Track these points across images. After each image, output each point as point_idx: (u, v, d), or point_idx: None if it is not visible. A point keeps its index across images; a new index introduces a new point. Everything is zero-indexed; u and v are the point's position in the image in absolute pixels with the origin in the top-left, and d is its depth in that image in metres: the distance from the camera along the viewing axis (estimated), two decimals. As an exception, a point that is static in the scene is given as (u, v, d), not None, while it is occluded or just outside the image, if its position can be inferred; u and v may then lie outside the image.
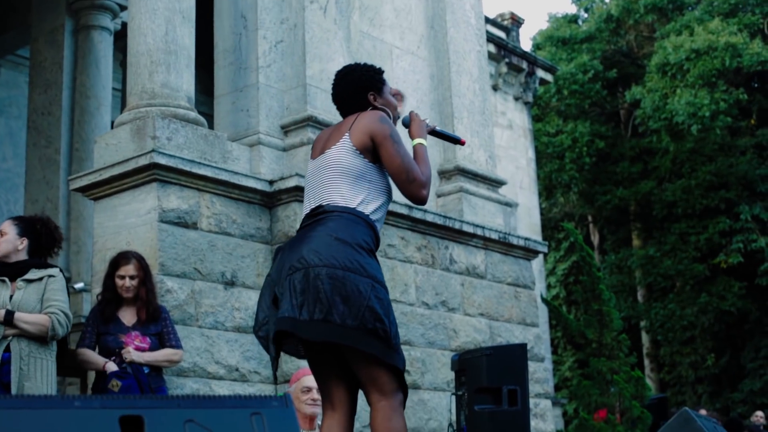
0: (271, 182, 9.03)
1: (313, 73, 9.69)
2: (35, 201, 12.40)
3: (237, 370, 8.43)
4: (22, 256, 6.63)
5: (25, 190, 12.98)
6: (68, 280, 11.47)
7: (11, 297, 6.42)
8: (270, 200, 9.04)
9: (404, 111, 5.10)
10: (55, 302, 6.49)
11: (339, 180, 4.45)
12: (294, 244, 4.38)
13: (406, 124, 4.88)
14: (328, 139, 4.65)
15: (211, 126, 9.40)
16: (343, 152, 4.47)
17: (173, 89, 8.68)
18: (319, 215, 4.40)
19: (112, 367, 6.76)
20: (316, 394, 6.45)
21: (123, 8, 12.89)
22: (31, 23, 13.33)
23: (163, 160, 8.09)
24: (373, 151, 4.48)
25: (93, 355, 6.88)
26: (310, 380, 6.55)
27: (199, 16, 9.31)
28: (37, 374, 6.37)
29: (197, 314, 8.20)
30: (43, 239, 6.75)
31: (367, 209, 4.41)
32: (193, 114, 8.78)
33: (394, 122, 4.76)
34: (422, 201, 4.53)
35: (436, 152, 11.38)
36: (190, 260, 8.25)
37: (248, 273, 8.74)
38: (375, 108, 4.70)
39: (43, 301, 6.47)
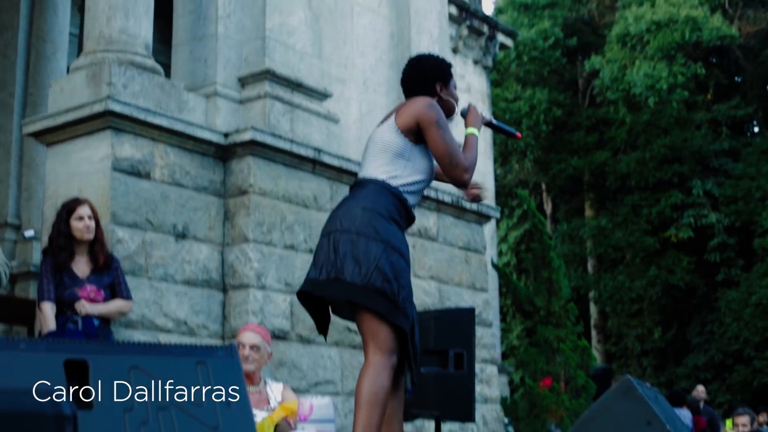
0: (226, 135, 8.94)
1: (272, 26, 9.59)
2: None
3: (185, 323, 8.38)
4: None
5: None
6: (18, 228, 11.43)
7: None
8: (224, 153, 8.96)
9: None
10: None
11: (379, 155, 4.77)
12: (332, 211, 4.82)
13: (464, 114, 5.11)
14: (387, 116, 4.96)
15: (167, 74, 9.29)
16: (387, 130, 4.78)
17: (131, 36, 8.56)
18: (356, 185, 4.81)
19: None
20: (247, 351, 6.40)
21: (83, -48, 12.69)
22: None
23: (117, 108, 7.98)
24: (417, 133, 4.74)
25: (51, 315, 6.76)
26: (243, 336, 6.51)
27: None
28: None
29: (147, 266, 8.13)
30: None
31: (398, 182, 4.71)
32: (150, 62, 8.66)
33: (452, 115, 5.00)
34: (464, 184, 4.83)
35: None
36: (142, 210, 8.17)
37: (200, 226, 8.67)
38: (440, 98, 4.94)
39: None
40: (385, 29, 11.57)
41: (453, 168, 4.71)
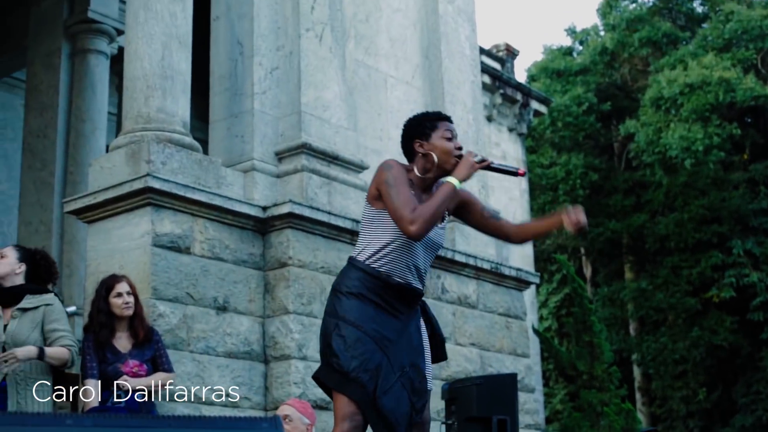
0: (264, 208, 9.04)
1: (308, 101, 9.73)
2: (29, 223, 12.39)
3: (228, 395, 8.42)
4: (19, 280, 6.64)
5: (18, 212, 12.97)
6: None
7: (5, 327, 6.44)
8: (263, 226, 9.06)
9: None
10: (65, 333, 6.57)
11: (360, 231, 4.85)
12: None
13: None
14: None
15: (206, 151, 9.43)
16: (364, 205, 4.82)
17: (169, 114, 8.72)
18: None
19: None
20: (287, 424, 6.53)
21: (120, 32, 12.93)
22: (27, 46, 13.37)
23: (157, 184, 8.11)
24: (380, 198, 4.70)
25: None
26: (283, 409, 6.73)
27: (195, 41, 9.35)
28: (33, 399, 6.37)
29: (189, 339, 8.20)
30: (42, 270, 6.79)
31: (363, 255, 4.72)
32: (188, 139, 8.81)
33: (446, 166, 4.79)
34: (412, 237, 4.60)
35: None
36: (183, 285, 8.25)
37: (240, 299, 8.74)
38: (423, 155, 4.80)
39: (47, 330, 6.50)
40: (419, 100, 11.68)
41: (398, 221, 4.56)
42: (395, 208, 4.56)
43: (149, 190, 8.09)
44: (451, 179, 4.67)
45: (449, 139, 4.80)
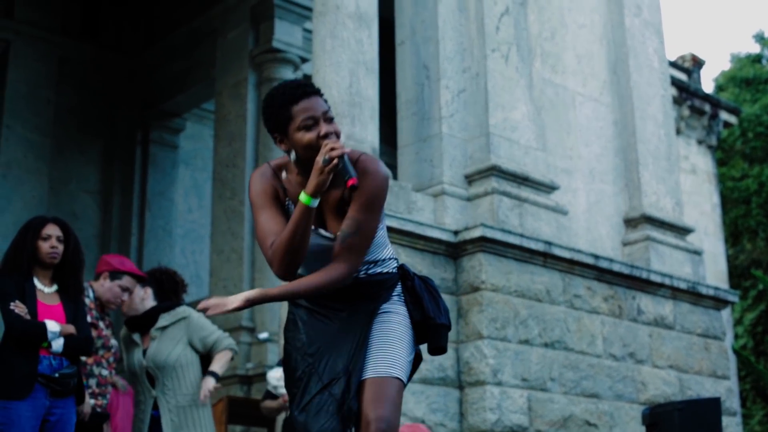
0: (456, 232, 8.99)
1: (496, 122, 9.65)
2: (220, 252, 12.64)
3: (423, 422, 8.37)
4: (149, 304, 6.73)
5: (210, 241, 13.25)
6: (252, 330, 11.74)
7: (145, 351, 6.54)
8: (455, 251, 9.00)
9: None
10: (214, 334, 6.66)
11: None
12: None
13: (326, 163, 3.70)
14: None
15: (395, 176, 9.43)
16: None
17: (358, 141, 8.75)
18: None
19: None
20: None
21: (304, 60, 13.11)
22: (215, 77, 13.69)
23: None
24: None
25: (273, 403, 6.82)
26: None
27: (381, 67, 9.38)
28: (190, 424, 6.46)
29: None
30: (167, 286, 6.85)
31: None
32: (379, 165, 8.82)
33: (306, 163, 3.77)
34: (279, 278, 3.74)
35: (621, 200, 11.17)
36: (376, 311, 8.25)
37: (434, 324, 8.68)
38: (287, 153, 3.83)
39: (198, 341, 6.59)
40: (608, 117, 11.46)
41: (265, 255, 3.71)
42: (259, 242, 3.74)
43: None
44: (302, 197, 3.62)
45: (309, 128, 3.71)
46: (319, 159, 3.60)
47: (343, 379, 3.72)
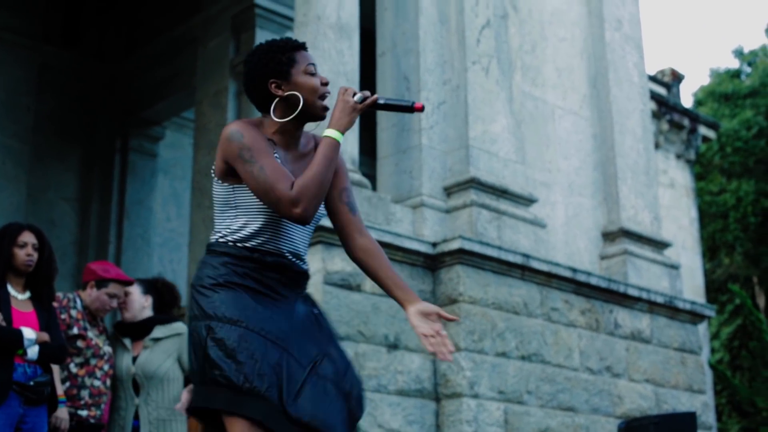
0: (434, 244, 8.99)
1: (475, 135, 9.66)
2: (198, 261, 12.61)
3: (399, 434, 8.36)
4: (148, 313, 6.74)
5: (188, 249, 13.21)
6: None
7: (135, 358, 6.52)
8: (433, 263, 9.00)
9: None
10: None
11: (215, 214, 3.83)
12: None
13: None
14: None
15: (374, 187, 9.43)
16: (213, 183, 3.79)
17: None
18: None
19: None
20: None
21: (287, 71, 13.10)
22: (195, 86, 13.65)
23: (328, 223, 8.11)
24: (233, 172, 3.67)
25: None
26: None
27: (362, 78, 9.39)
28: None
29: (360, 377, 8.16)
30: (165, 297, 6.88)
31: (228, 237, 3.69)
32: (357, 176, 8.83)
33: (314, 110, 3.73)
34: (299, 221, 3.55)
35: (599, 214, 11.20)
36: (354, 323, 8.25)
37: (411, 336, 8.68)
38: (281, 99, 3.70)
39: (184, 360, 6.56)
40: (587, 131, 11.49)
41: (274, 204, 3.50)
42: (265, 189, 3.51)
43: (320, 228, 8.09)
44: (332, 132, 3.60)
45: (313, 74, 3.71)
46: (349, 99, 3.62)
47: (326, 360, 3.61)
